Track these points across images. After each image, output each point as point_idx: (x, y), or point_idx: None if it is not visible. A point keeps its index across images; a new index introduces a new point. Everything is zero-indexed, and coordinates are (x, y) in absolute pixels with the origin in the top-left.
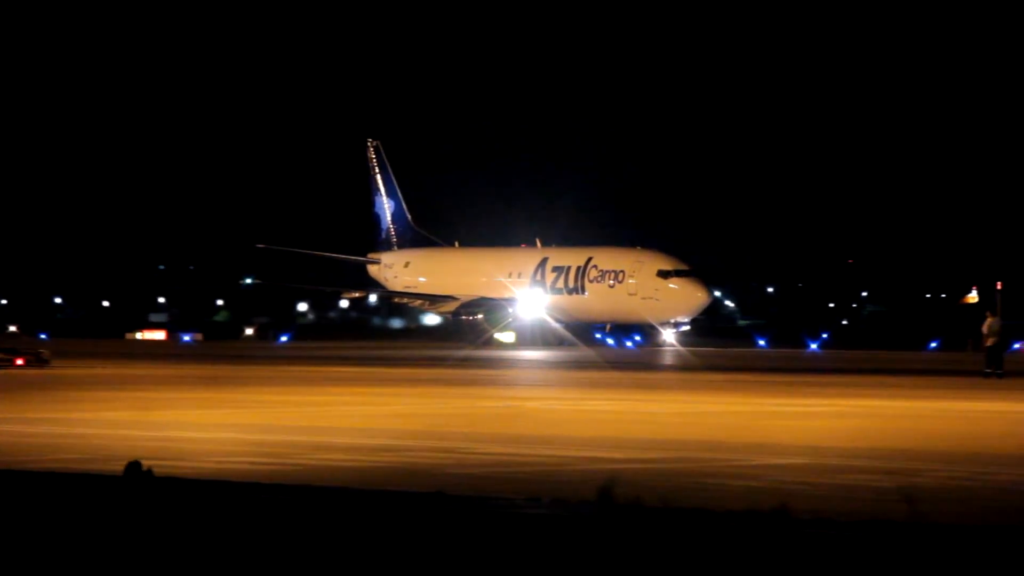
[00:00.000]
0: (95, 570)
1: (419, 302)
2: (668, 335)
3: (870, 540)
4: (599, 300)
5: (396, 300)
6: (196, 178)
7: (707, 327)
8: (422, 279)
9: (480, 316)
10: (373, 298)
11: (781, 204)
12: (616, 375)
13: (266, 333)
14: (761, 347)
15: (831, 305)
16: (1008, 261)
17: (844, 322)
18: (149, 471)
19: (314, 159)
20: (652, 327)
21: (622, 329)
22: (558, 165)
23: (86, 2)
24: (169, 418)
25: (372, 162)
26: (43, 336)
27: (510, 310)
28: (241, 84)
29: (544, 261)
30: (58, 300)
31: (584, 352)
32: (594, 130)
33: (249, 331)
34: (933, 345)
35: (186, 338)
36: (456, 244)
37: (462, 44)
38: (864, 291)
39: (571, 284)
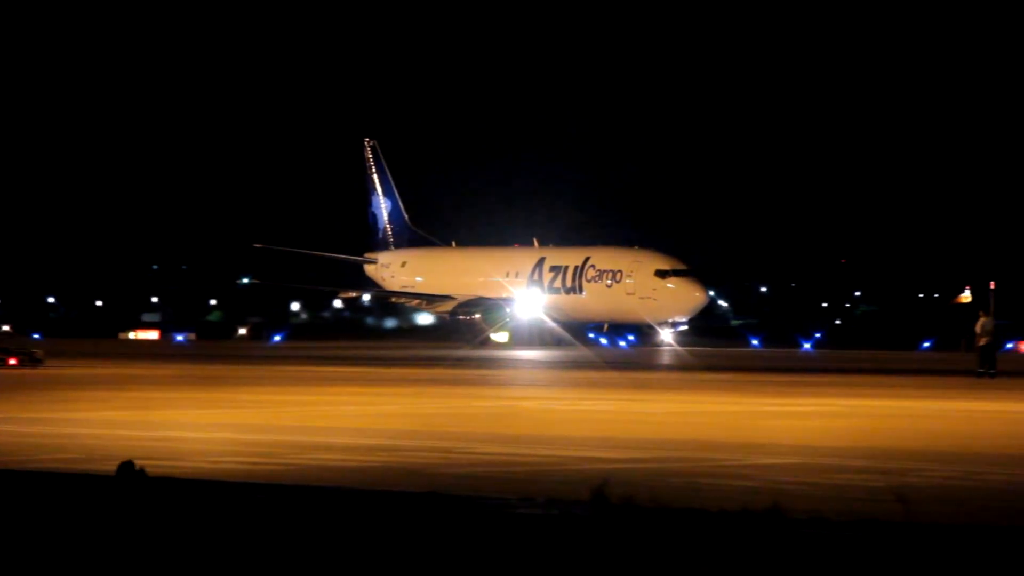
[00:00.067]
0: (77, 570)
1: (416, 302)
2: (666, 335)
3: (864, 540)
4: (597, 300)
5: (393, 300)
6: (190, 177)
7: (701, 327)
8: (419, 279)
9: (477, 316)
10: (367, 298)
11: (774, 204)
12: (612, 375)
13: (259, 333)
14: (754, 347)
15: (824, 305)
16: (1001, 261)
17: (837, 322)
18: (142, 471)
19: (310, 158)
20: (650, 327)
21: (619, 329)
22: (555, 165)
23: (84, 2)
24: (164, 418)
25: (369, 161)
26: (36, 336)
27: (507, 310)
28: (237, 83)
29: (541, 261)
30: (51, 300)
31: (581, 352)
32: (591, 130)
33: (242, 331)
34: (926, 345)
35: (179, 338)
36: (453, 244)
37: (460, 44)
38: (857, 291)
39: (569, 284)
